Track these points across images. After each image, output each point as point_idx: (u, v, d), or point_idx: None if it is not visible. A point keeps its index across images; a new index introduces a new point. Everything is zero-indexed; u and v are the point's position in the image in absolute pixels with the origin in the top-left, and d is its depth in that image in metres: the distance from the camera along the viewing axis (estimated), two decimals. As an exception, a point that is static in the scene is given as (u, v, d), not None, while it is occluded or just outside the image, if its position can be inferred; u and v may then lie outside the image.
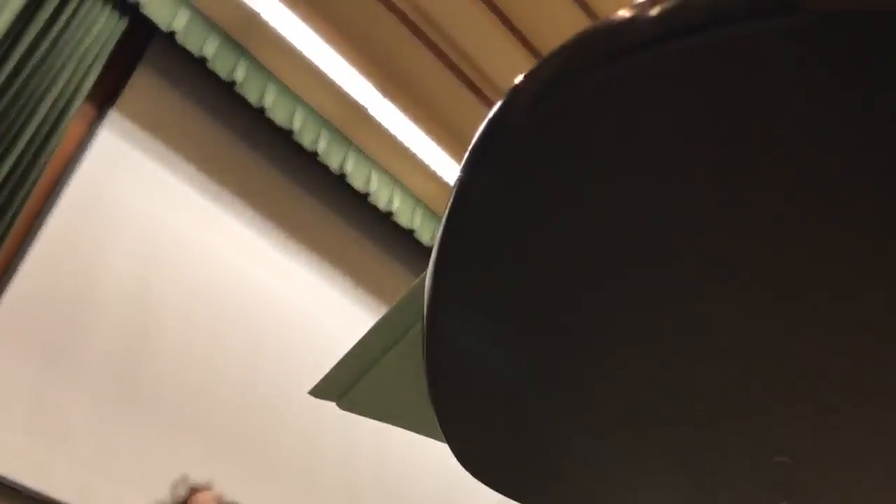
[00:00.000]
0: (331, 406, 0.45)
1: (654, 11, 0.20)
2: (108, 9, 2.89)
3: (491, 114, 0.23)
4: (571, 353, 0.27)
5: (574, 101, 0.21)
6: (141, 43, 3.06)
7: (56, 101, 2.68)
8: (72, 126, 2.78)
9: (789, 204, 0.21)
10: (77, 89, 2.75)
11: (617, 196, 0.22)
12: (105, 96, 2.94)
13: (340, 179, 3.45)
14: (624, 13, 0.21)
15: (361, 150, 3.53)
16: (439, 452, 0.37)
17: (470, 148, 0.24)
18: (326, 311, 3.31)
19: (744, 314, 0.24)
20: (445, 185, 3.57)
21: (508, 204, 0.23)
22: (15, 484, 2.29)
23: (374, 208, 3.55)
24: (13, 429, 2.32)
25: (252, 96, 3.18)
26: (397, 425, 0.43)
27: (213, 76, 3.11)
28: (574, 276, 0.24)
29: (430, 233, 3.67)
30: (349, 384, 0.42)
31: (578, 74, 0.20)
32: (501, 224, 0.24)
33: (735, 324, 0.24)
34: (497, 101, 0.24)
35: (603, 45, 0.21)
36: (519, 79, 0.23)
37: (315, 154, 3.35)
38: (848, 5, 0.17)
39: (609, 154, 0.21)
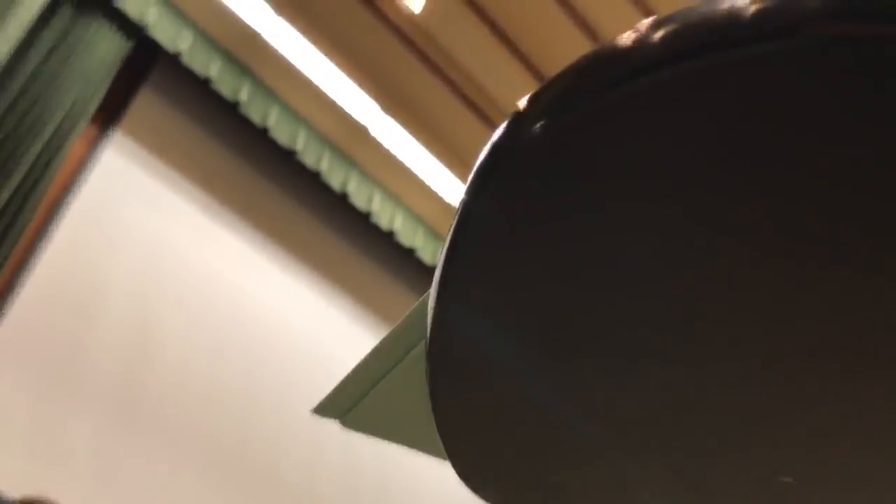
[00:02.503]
0: (333, 425, 0.45)
1: (658, 35, 0.20)
2: (113, 30, 2.91)
3: (494, 137, 0.24)
4: (578, 373, 0.27)
5: (578, 125, 0.21)
6: (145, 64, 3.09)
7: (61, 121, 2.70)
8: (75, 146, 2.80)
9: (797, 226, 0.21)
10: (82, 110, 2.77)
11: (623, 217, 0.22)
12: (109, 117, 2.96)
13: (342, 199, 3.46)
14: (628, 36, 0.21)
15: (363, 170, 3.54)
16: (442, 472, 0.37)
17: (473, 171, 0.24)
18: (328, 329, 3.30)
19: (751, 334, 0.24)
20: (447, 204, 3.58)
21: (512, 226, 0.23)
22: (13, 502, 2.27)
23: (376, 228, 3.56)
24: (13, 448, 2.31)
25: (255, 117, 3.20)
26: (400, 444, 0.43)
27: (216, 97, 3.13)
28: (579, 299, 0.24)
29: (431, 252, 3.68)
30: (352, 403, 0.42)
31: (583, 98, 0.21)
32: (505, 246, 0.24)
33: (743, 342, 0.25)
34: (499, 122, 0.24)
35: (607, 68, 0.21)
36: (522, 102, 0.23)
37: (317, 174, 3.37)
38: (851, 29, 0.17)
39: (614, 177, 0.22)
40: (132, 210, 2.90)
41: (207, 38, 3.13)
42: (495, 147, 0.22)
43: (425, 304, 0.28)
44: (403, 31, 3.14)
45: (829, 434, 0.27)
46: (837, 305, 0.22)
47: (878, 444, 0.26)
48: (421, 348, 0.34)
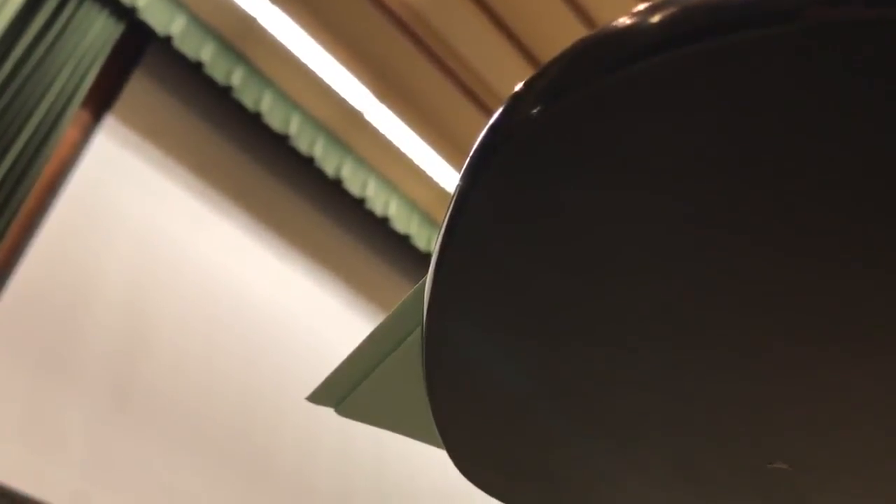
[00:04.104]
0: (328, 413, 0.45)
1: (655, 18, 0.20)
2: (104, 13, 2.89)
3: (491, 121, 0.23)
4: (573, 360, 0.27)
5: (575, 109, 0.21)
6: (137, 48, 3.06)
7: (52, 105, 2.68)
8: (69, 132, 2.78)
9: (797, 217, 0.21)
10: (73, 94, 2.75)
11: (620, 203, 0.22)
12: (101, 101, 2.94)
13: (336, 185, 3.45)
14: (624, 20, 0.21)
15: (358, 156, 3.53)
16: (438, 460, 0.37)
17: (470, 156, 0.24)
18: (322, 315, 3.30)
19: (746, 321, 0.24)
20: (441, 190, 3.57)
21: (509, 211, 0.23)
22: (6, 489, 2.28)
23: (371, 214, 3.55)
24: (6, 434, 2.31)
25: (248, 101, 3.18)
26: (395, 432, 0.43)
27: (209, 81, 3.11)
28: (575, 283, 0.24)
29: (426, 238, 3.68)
30: (347, 390, 0.42)
31: (579, 82, 0.20)
32: (502, 232, 0.24)
33: (737, 331, 0.24)
34: (495, 108, 0.24)
35: (604, 52, 0.21)
36: (519, 86, 0.23)
37: (311, 159, 3.35)
38: (852, 14, 0.17)
39: (611, 161, 0.21)
40: (125, 195, 2.89)
41: (200, 22, 3.10)
42: (491, 131, 0.22)
43: (421, 290, 0.28)
44: (399, 16, 3.12)
45: (826, 422, 0.27)
46: (835, 296, 0.22)
47: (876, 432, 0.26)
48: (416, 335, 0.34)
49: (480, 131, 0.23)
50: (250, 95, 3.19)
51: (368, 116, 3.40)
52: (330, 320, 3.28)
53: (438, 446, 0.34)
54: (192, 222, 3.06)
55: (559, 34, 2.93)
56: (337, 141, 3.48)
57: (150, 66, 3.09)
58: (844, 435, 0.27)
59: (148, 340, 2.75)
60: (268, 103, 3.23)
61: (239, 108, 3.19)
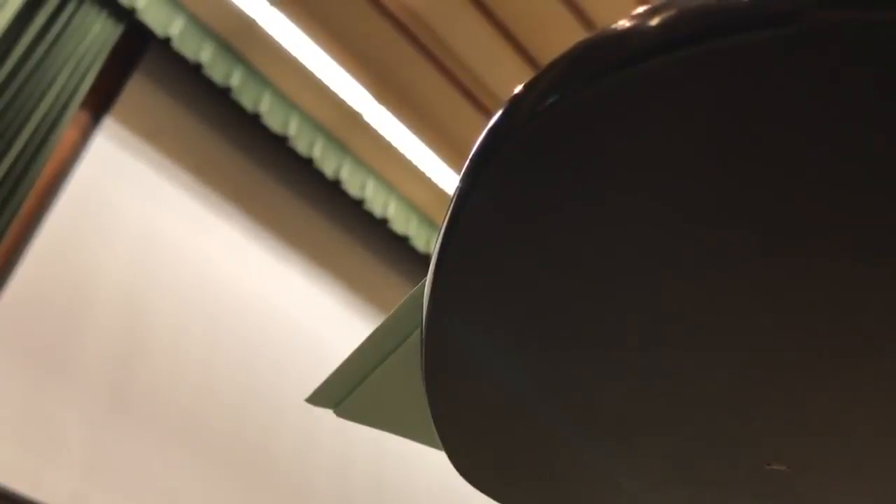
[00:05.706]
0: (327, 414, 0.45)
1: (655, 21, 0.20)
2: (103, 15, 2.89)
3: (490, 123, 0.23)
4: (573, 361, 0.27)
5: (574, 111, 0.21)
6: (136, 49, 3.06)
7: (51, 107, 2.68)
8: (66, 133, 2.78)
9: (797, 217, 0.21)
10: (72, 96, 2.74)
11: (619, 204, 0.22)
12: (100, 103, 2.94)
13: (335, 186, 3.45)
14: (623, 23, 0.21)
15: (356, 157, 3.53)
16: (437, 461, 0.37)
17: (470, 157, 0.24)
18: (321, 317, 3.30)
19: (744, 322, 0.24)
20: (440, 192, 3.57)
21: (509, 212, 0.23)
22: (4, 490, 2.27)
23: (369, 215, 3.55)
24: (4, 434, 2.31)
25: (247, 103, 3.18)
26: (394, 433, 0.43)
27: (208, 82, 3.11)
28: (575, 284, 0.24)
29: (424, 240, 3.67)
30: (346, 392, 0.42)
31: (579, 84, 0.20)
32: (502, 233, 0.24)
33: (735, 332, 0.24)
34: (494, 109, 0.24)
35: (603, 54, 0.21)
36: (519, 88, 0.23)
37: (310, 161, 3.35)
38: (851, 16, 0.17)
39: (610, 163, 0.21)
40: (124, 196, 2.89)
41: (199, 23, 3.11)
42: (491, 133, 0.22)
43: (420, 292, 0.28)
44: (398, 17, 3.12)
45: (824, 422, 0.27)
46: (833, 297, 0.22)
47: (875, 433, 0.26)
48: (416, 337, 0.34)
49: (480, 133, 0.23)
50: (249, 96, 3.19)
51: (367, 117, 3.40)
52: (329, 321, 3.28)
53: (437, 447, 0.34)
54: (190, 223, 3.06)
55: (559, 36, 2.93)
56: (336, 142, 3.48)
57: (150, 67, 3.09)
58: (842, 435, 0.27)
59: (146, 341, 2.74)
60: (267, 104, 3.23)
61: (238, 108, 3.19)
